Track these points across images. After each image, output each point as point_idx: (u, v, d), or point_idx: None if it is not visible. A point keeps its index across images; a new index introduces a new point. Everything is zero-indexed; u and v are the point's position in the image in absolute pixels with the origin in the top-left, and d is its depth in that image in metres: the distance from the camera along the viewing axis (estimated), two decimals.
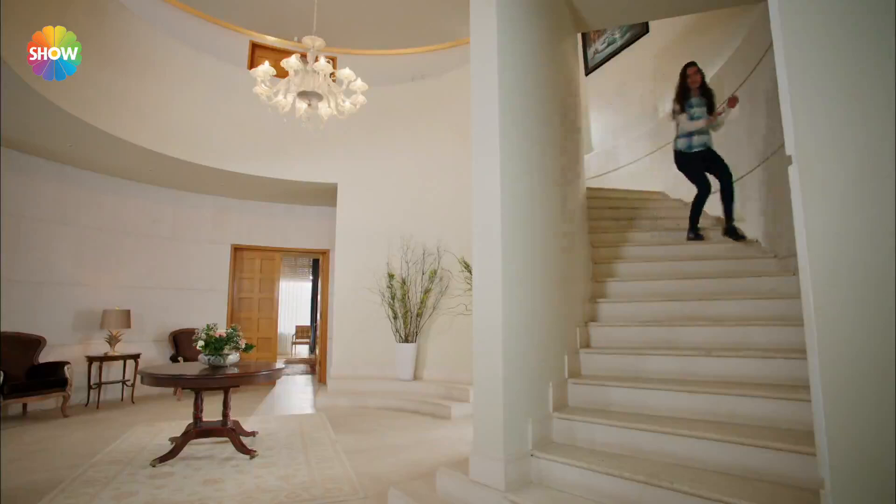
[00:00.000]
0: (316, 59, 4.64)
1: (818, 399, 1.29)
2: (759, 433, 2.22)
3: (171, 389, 6.80)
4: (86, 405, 6.13)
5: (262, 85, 4.65)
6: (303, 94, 4.71)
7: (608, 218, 5.01)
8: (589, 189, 5.04)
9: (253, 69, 4.72)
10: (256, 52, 7.51)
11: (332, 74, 4.82)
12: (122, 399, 6.55)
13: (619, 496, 2.24)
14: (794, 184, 1.37)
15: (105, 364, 6.33)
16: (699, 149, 4.37)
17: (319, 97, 4.73)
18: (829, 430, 1.25)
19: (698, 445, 2.28)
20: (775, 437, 2.14)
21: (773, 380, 2.62)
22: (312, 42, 4.66)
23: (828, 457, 1.24)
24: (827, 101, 1.34)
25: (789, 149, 1.38)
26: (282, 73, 4.94)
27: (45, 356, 5.78)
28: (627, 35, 6.84)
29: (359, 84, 4.74)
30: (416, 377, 6.62)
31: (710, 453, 2.24)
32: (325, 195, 7.70)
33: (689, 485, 2.04)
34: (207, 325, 4.12)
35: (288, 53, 5.25)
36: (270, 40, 7.57)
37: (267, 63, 4.55)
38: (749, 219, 4.39)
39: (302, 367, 10.67)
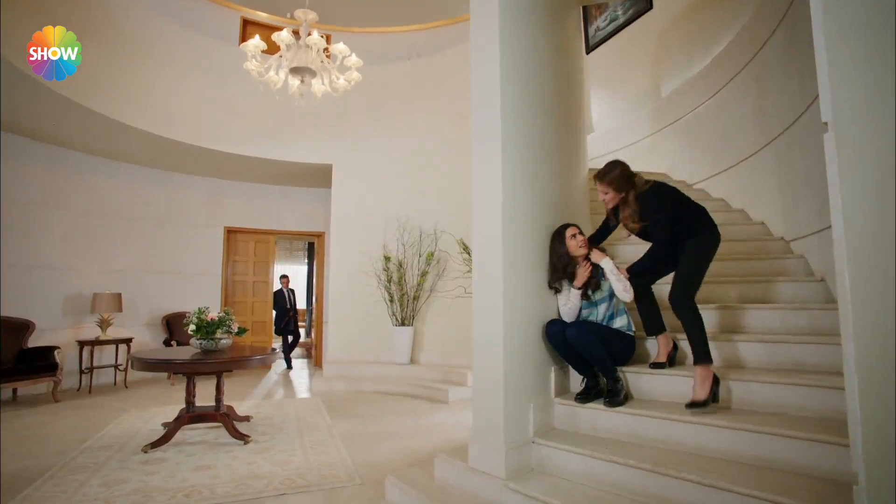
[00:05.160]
0: (309, 34, 4.46)
1: (852, 388, 1.20)
2: (769, 420, 2.14)
3: (165, 374, 6.71)
4: (78, 390, 6.05)
5: (253, 60, 4.48)
6: (295, 70, 4.55)
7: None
8: (591, 170, 4.91)
9: (243, 44, 4.55)
10: (248, 29, 7.28)
11: (325, 50, 4.65)
12: (114, 383, 6.47)
13: (624, 485, 2.16)
14: (829, 152, 1.26)
15: (97, 348, 6.22)
16: None
17: (313, 73, 4.57)
18: (864, 422, 1.16)
19: (705, 432, 2.20)
20: (785, 425, 2.06)
21: (781, 365, 2.55)
22: (305, 15, 4.48)
23: (862, 449, 1.15)
24: (867, 64, 1.22)
25: (825, 115, 1.26)
26: (274, 50, 4.77)
27: (35, 340, 5.68)
28: (630, 11, 6.63)
29: (353, 60, 4.58)
30: (412, 361, 6.56)
31: (718, 441, 2.16)
32: (320, 177, 7.55)
33: (696, 473, 1.96)
34: (199, 309, 4.01)
35: (280, 29, 5.07)
36: (262, 16, 7.33)
37: (257, 37, 4.38)
38: (756, 199, 4.29)
39: (297, 350, 10.58)
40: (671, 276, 2.69)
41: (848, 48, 1.25)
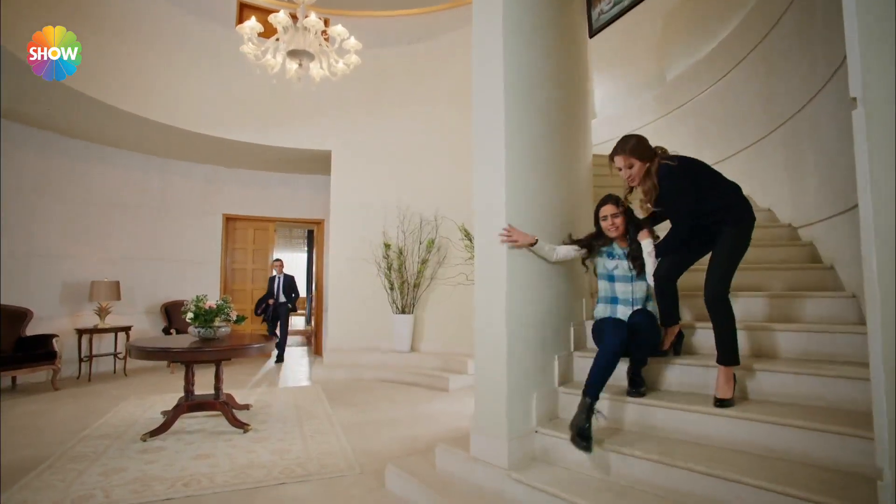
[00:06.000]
0: (306, 16, 4.35)
1: (878, 381, 1.14)
2: (777, 410, 2.10)
3: (164, 362, 6.68)
4: (77, 378, 6.02)
5: (250, 43, 4.38)
6: (293, 54, 4.44)
7: (615, 186, 4.82)
8: (595, 157, 4.83)
9: (239, 26, 4.44)
10: (244, 12, 7.13)
11: (323, 33, 4.54)
12: (114, 372, 6.45)
13: (629, 476, 2.13)
14: (858, 129, 1.19)
15: (96, 336, 6.19)
16: None
17: (311, 57, 4.46)
18: (890, 415, 1.11)
19: (713, 422, 2.16)
20: (793, 415, 2.02)
21: (792, 355, 2.50)
22: None
23: (888, 444, 1.10)
24: None
25: (854, 90, 1.19)
26: (271, 32, 4.66)
27: (33, 329, 5.64)
28: None
29: (352, 42, 4.47)
30: (413, 349, 6.54)
31: (727, 431, 2.12)
32: (320, 163, 7.46)
33: (704, 464, 1.93)
34: (197, 297, 3.96)
35: (277, 12, 4.95)
36: None
37: (254, 19, 4.27)
38: (762, 185, 4.22)
39: (297, 338, 10.58)
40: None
41: (882, 17, 1.17)
